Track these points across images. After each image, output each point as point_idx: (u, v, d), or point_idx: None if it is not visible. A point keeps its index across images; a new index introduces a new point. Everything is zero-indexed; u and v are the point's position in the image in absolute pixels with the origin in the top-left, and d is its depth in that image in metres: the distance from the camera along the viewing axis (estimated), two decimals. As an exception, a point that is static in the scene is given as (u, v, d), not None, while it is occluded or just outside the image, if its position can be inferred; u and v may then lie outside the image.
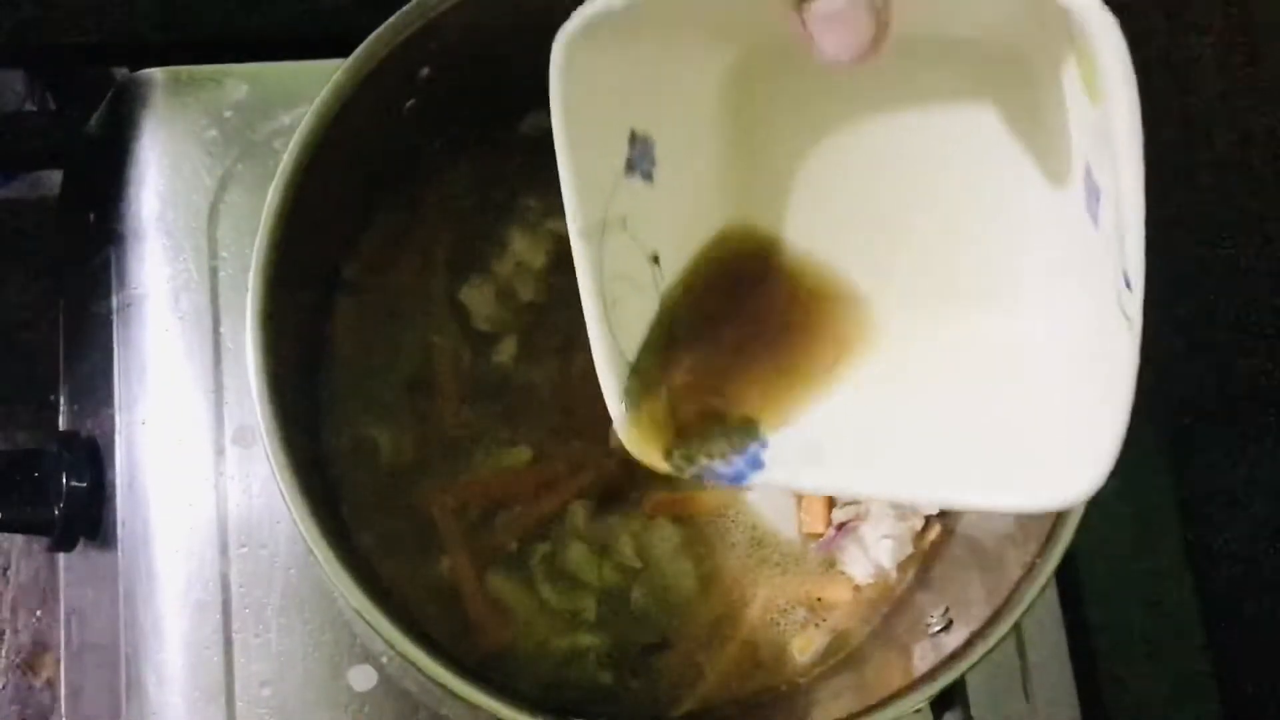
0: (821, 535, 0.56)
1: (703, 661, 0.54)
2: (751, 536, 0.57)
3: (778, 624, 0.55)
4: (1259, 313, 0.66)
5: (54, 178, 0.71)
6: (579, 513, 0.55)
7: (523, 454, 0.56)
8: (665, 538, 0.56)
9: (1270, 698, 0.69)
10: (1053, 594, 0.62)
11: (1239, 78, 0.64)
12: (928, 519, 0.56)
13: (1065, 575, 0.63)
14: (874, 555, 0.55)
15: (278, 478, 0.45)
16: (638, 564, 0.55)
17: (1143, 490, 0.72)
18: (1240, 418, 0.70)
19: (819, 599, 0.56)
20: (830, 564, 0.56)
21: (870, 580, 0.55)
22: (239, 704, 0.56)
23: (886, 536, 0.55)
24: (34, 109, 0.70)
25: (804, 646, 0.55)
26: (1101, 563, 0.68)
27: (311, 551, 0.45)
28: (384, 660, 0.56)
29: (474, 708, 0.44)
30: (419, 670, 0.44)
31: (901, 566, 0.55)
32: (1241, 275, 0.66)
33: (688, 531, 0.56)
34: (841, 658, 0.53)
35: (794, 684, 0.53)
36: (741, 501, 0.57)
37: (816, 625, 0.55)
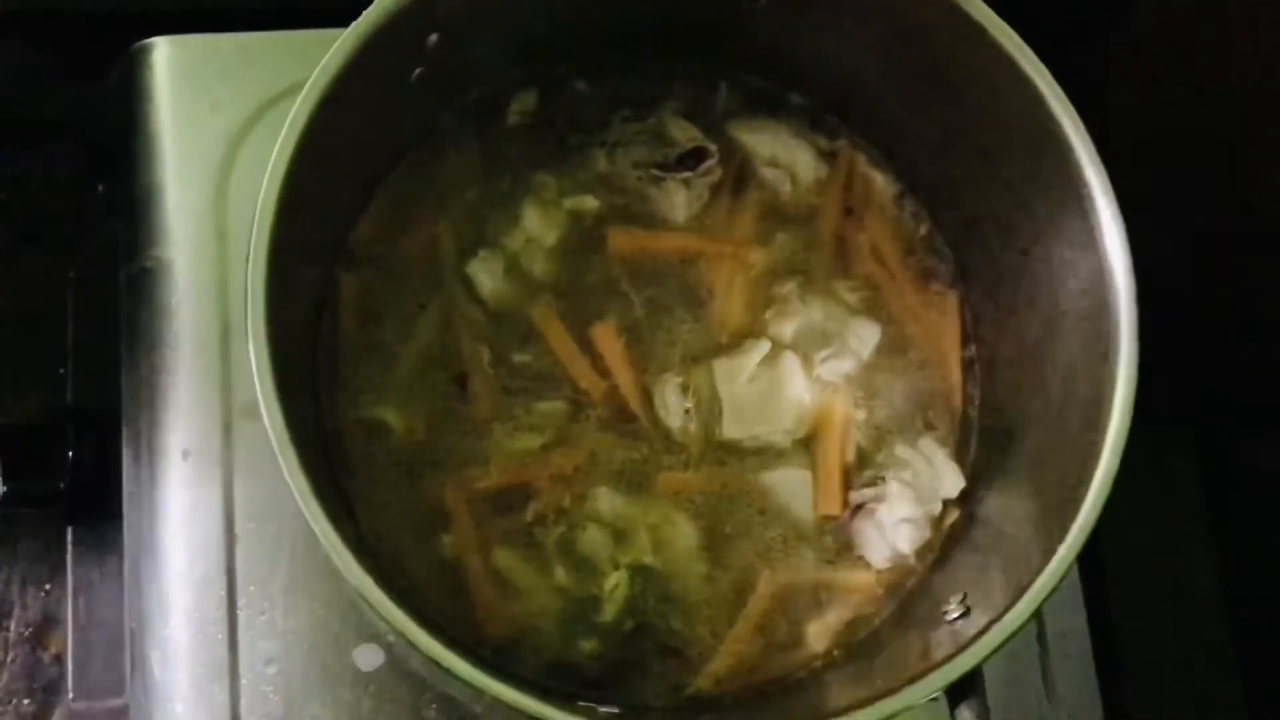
0: (837, 518, 0.55)
1: (715, 648, 0.53)
2: (765, 520, 0.55)
3: (793, 610, 0.54)
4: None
5: (63, 149, 0.71)
6: (601, 498, 0.54)
7: (534, 439, 0.55)
8: (684, 534, 0.55)
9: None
10: (1076, 588, 0.61)
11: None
12: (946, 503, 0.55)
13: (1089, 571, 0.62)
14: (891, 539, 0.54)
15: (277, 450, 0.44)
16: (649, 558, 0.54)
17: (1168, 483, 0.70)
18: (1267, 407, 0.68)
19: (835, 585, 0.54)
20: (847, 548, 0.55)
21: (888, 565, 0.54)
22: (243, 681, 0.56)
23: (905, 520, 0.54)
24: (43, 80, 0.69)
25: (819, 633, 0.54)
26: (1126, 558, 0.67)
27: (312, 527, 0.44)
28: (390, 639, 0.55)
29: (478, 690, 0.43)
30: (418, 650, 0.43)
31: (919, 552, 0.54)
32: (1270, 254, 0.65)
33: (705, 522, 0.55)
34: (856, 644, 0.52)
35: (809, 669, 0.52)
36: (756, 484, 0.55)
37: (832, 611, 0.54)
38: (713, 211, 0.59)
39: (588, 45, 0.58)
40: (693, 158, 0.59)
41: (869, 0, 0.52)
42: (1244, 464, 0.70)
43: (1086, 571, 0.62)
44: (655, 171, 0.58)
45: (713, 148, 0.59)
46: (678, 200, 0.58)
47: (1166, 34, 0.67)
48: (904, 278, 0.59)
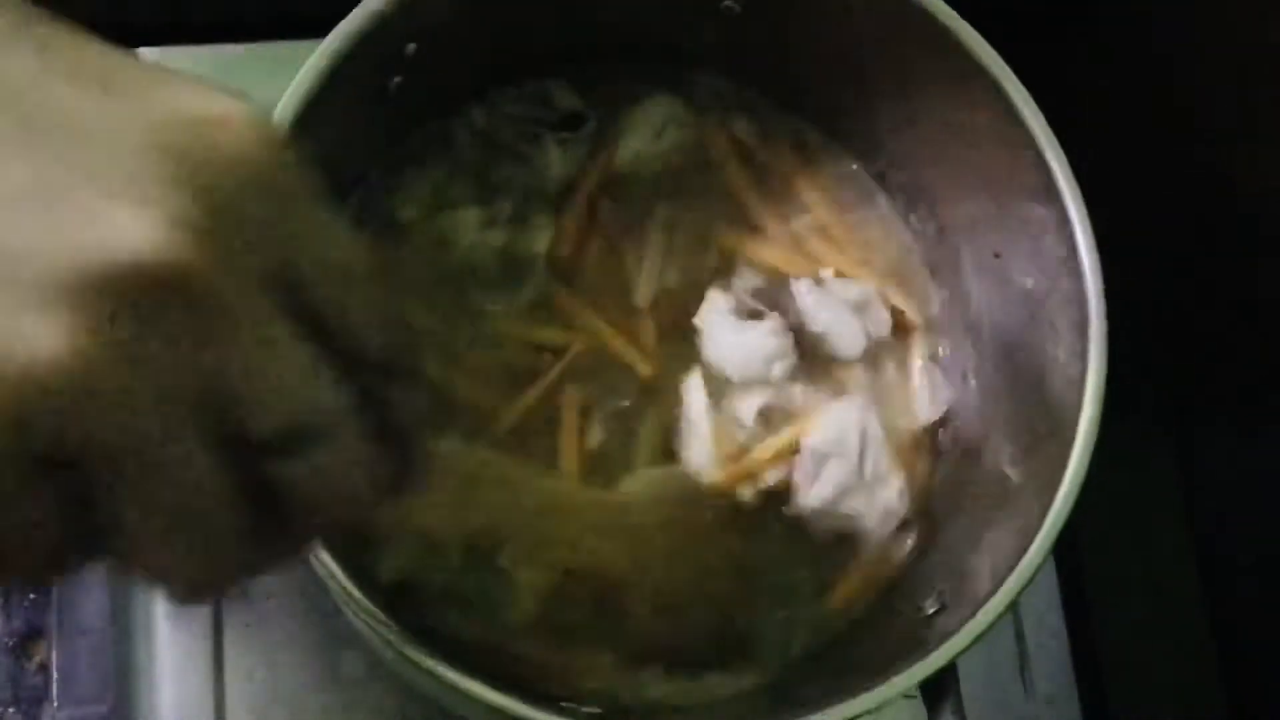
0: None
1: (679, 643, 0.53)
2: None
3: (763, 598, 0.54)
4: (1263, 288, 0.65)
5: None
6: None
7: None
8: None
9: (1277, 685, 0.68)
10: (1053, 584, 0.62)
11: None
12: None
13: (1067, 567, 0.63)
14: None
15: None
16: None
17: (1144, 476, 0.71)
18: (1244, 398, 0.69)
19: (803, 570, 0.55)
20: (798, 530, 0.55)
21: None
22: (229, 690, 0.56)
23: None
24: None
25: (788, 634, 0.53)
26: (1102, 551, 0.67)
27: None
28: (375, 646, 0.55)
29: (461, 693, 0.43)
30: (405, 659, 0.43)
31: (896, 537, 0.54)
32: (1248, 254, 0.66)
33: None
34: (831, 639, 0.53)
35: (783, 664, 0.52)
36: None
37: (805, 599, 0.54)
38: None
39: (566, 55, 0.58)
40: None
41: (840, 3, 0.53)
42: (1221, 459, 0.71)
43: (1064, 567, 0.63)
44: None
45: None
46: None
47: (1131, 27, 0.68)
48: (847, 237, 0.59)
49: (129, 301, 0.24)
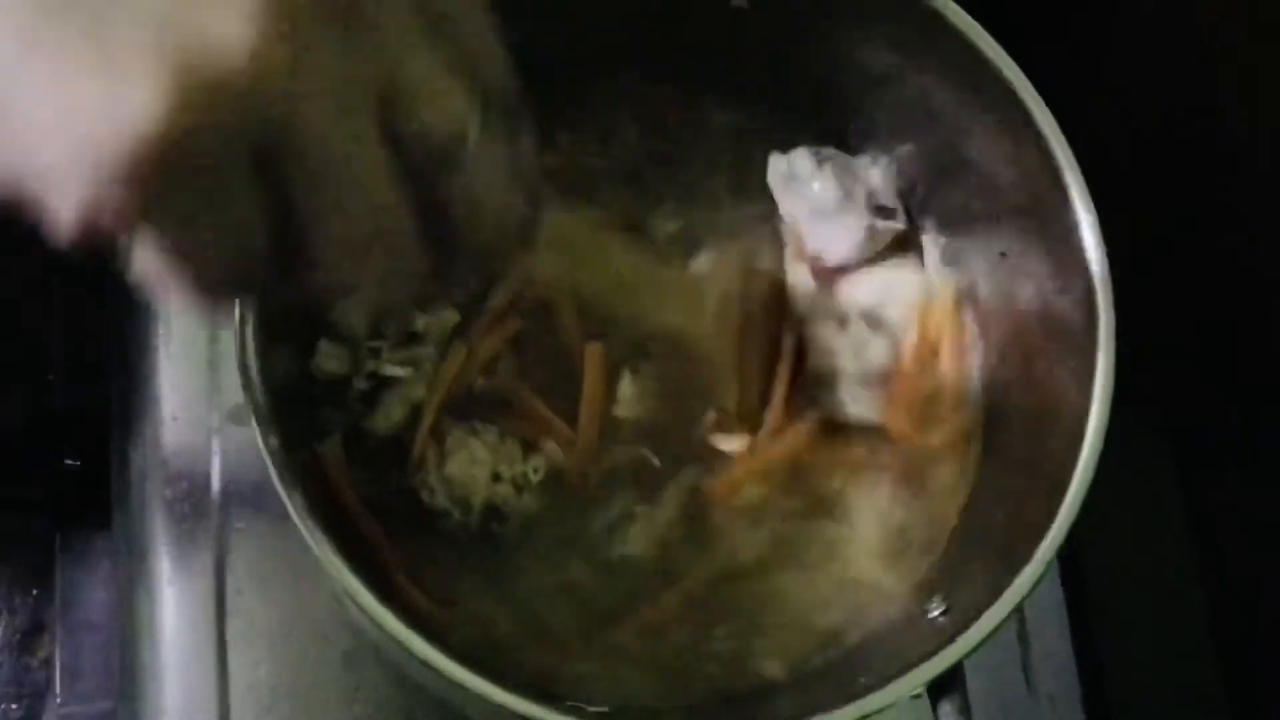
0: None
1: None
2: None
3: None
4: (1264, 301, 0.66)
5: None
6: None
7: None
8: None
9: (1277, 684, 0.68)
10: (1057, 587, 0.62)
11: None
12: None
13: (1070, 570, 0.63)
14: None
15: (265, 454, 0.44)
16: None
17: (1147, 478, 0.71)
18: (1245, 399, 0.69)
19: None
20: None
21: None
22: (233, 684, 0.56)
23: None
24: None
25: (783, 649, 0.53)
26: (1105, 551, 0.67)
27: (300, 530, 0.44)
28: (381, 643, 0.56)
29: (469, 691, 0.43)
30: (413, 656, 0.43)
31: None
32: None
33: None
34: (836, 643, 0.53)
35: (788, 670, 0.52)
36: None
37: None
38: None
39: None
40: None
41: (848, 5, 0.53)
42: (1220, 456, 0.71)
43: (1067, 570, 0.63)
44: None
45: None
46: None
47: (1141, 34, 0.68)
48: None
49: (307, 12, 0.28)
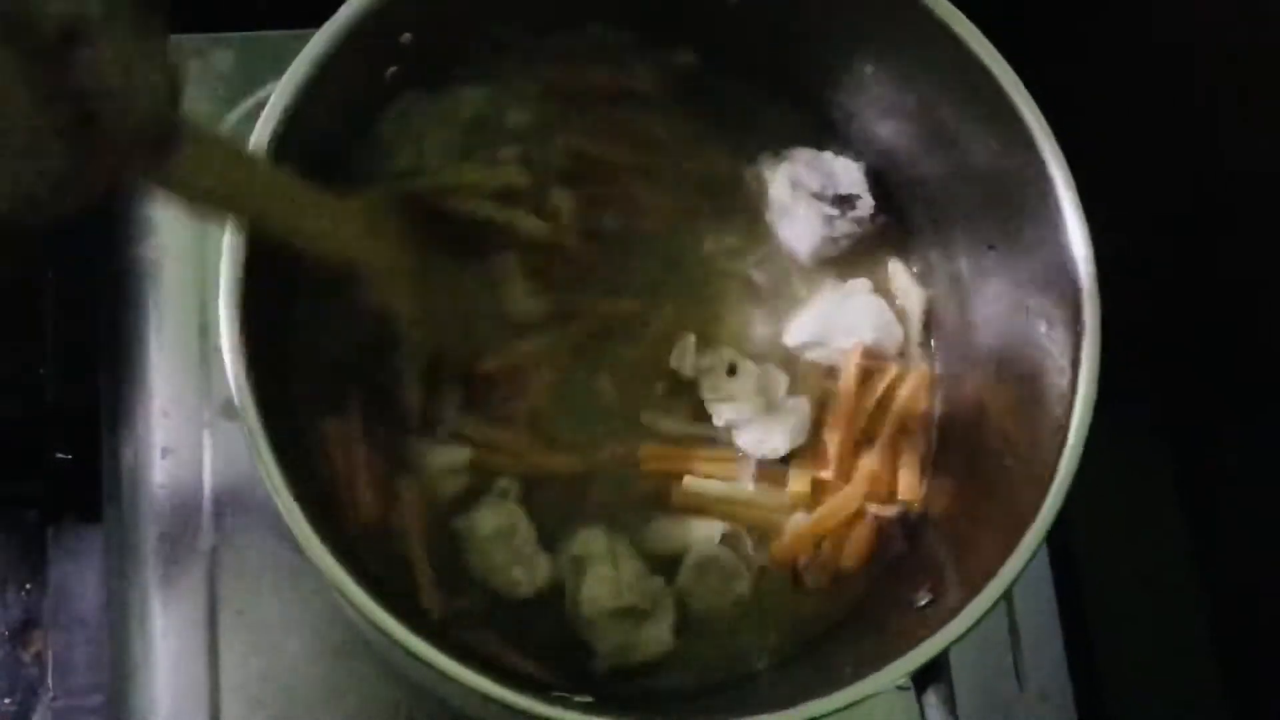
0: None
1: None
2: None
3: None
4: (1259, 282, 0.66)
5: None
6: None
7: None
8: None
9: (1272, 677, 0.68)
10: (1047, 578, 0.62)
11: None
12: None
13: (1061, 561, 0.63)
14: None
15: (255, 449, 0.44)
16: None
17: (1139, 470, 0.71)
18: (1238, 394, 0.69)
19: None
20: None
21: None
22: (224, 676, 0.56)
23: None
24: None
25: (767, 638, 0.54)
26: (1097, 546, 0.67)
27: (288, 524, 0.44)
28: (371, 639, 0.56)
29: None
30: (402, 647, 0.43)
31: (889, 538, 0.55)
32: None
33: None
34: (822, 634, 0.53)
35: (771, 660, 0.53)
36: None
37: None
38: None
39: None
40: None
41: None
42: (1214, 450, 0.71)
43: (1058, 561, 0.63)
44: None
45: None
46: None
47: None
48: None
49: None
